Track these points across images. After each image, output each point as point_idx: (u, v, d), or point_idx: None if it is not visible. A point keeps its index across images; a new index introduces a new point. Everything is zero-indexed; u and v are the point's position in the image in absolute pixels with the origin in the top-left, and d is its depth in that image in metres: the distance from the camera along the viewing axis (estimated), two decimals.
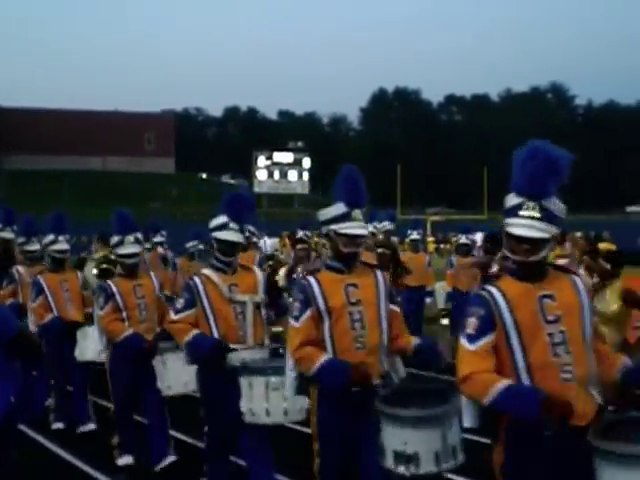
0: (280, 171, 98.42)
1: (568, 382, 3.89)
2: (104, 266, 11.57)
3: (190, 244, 15.67)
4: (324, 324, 5.09)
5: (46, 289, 8.85)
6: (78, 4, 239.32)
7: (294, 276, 11.21)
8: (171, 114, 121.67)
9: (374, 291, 5.23)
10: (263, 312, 6.59)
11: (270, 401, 5.66)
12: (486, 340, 3.92)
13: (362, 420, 4.97)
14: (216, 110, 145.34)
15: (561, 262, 18.47)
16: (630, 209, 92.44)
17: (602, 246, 12.74)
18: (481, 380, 3.88)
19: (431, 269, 14.80)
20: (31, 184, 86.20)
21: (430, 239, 46.10)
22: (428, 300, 14.48)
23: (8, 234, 11.05)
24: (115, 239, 7.72)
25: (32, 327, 8.80)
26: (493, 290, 4.00)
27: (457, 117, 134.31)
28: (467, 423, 4.13)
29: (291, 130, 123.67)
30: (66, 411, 9.13)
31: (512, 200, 3.97)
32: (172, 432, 7.86)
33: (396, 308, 5.38)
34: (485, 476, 4.29)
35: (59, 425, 9.21)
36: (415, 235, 15.26)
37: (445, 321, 14.72)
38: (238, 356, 6.10)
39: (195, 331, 6.30)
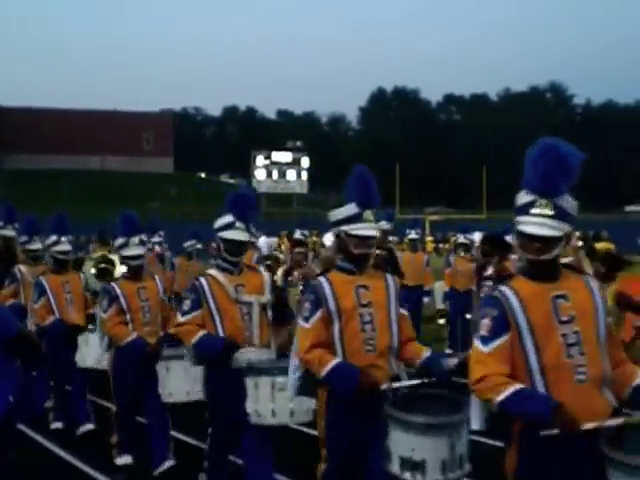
0: (279, 170, 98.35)
1: (582, 383, 3.84)
2: (102, 266, 11.58)
3: (188, 243, 15.68)
4: (334, 326, 5.03)
5: (48, 290, 8.83)
6: (78, 4, 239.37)
7: (290, 278, 11.23)
8: (170, 114, 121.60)
9: (385, 293, 5.19)
10: (269, 313, 6.55)
11: (276, 402, 5.63)
12: (500, 341, 3.88)
13: (371, 424, 4.89)
14: (215, 110, 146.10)
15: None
16: (629, 208, 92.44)
17: (599, 246, 12.73)
18: (494, 382, 3.83)
19: (429, 269, 14.81)
20: (30, 183, 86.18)
21: (429, 239, 46.17)
22: (426, 299, 14.47)
23: (9, 232, 11.00)
24: (120, 241, 7.69)
25: (31, 326, 8.80)
26: (506, 290, 3.96)
27: (456, 117, 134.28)
28: (475, 425, 4.11)
29: (290, 129, 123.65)
30: (65, 411, 9.13)
31: (523, 198, 3.94)
32: (173, 433, 7.84)
33: (405, 312, 5.32)
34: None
35: (58, 425, 9.22)
36: (413, 235, 15.27)
37: (442, 321, 14.73)
38: (244, 357, 6.07)
39: (202, 332, 6.27)
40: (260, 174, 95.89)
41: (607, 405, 3.90)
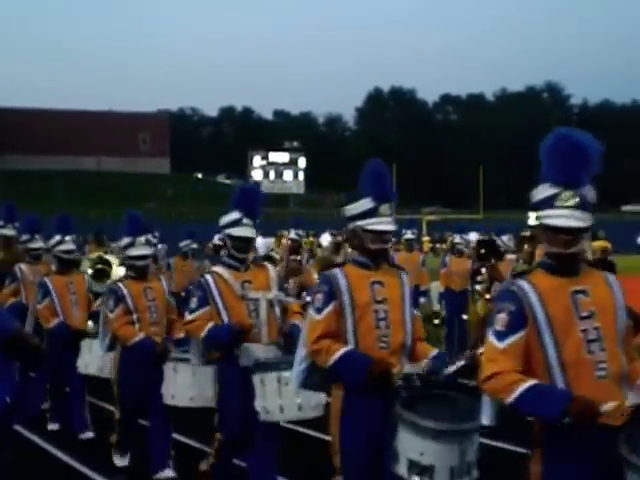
0: (276, 171, 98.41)
1: (603, 379, 3.76)
2: (99, 266, 11.57)
3: (183, 243, 15.69)
4: (347, 320, 4.93)
5: (52, 291, 8.76)
6: (75, 4, 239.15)
7: (285, 286, 11.23)
8: (166, 114, 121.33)
9: (399, 291, 5.11)
10: (277, 309, 6.48)
11: (283, 397, 5.58)
12: (516, 337, 3.78)
13: (388, 429, 4.61)
14: (211, 110, 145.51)
15: None
16: (625, 208, 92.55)
17: (596, 245, 12.75)
18: (506, 380, 3.73)
19: (425, 268, 14.84)
20: (25, 184, 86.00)
21: (426, 239, 46.20)
22: (422, 300, 14.50)
23: (9, 231, 10.90)
24: (125, 241, 7.63)
25: (28, 328, 8.76)
26: (524, 284, 3.86)
27: (453, 116, 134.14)
28: (485, 421, 4.04)
29: (286, 130, 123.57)
30: (62, 412, 9.10)
31: (546, 191, 3.86)
32: (174, 435, 7.79)
33: (417, 312, 5.29)
34: None
35: (54, 426, 9.19)
36: (409, 234, 15.32)
37: (436, 321, 14.77)
38: (251, 356, 6.02)
39: (210, 324, 6.22)
40: (257, 174, 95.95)
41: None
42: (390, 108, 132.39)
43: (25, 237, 10.20)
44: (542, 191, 3.88)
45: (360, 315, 4.92)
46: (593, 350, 3.77)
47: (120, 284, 7.61)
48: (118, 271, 14.81)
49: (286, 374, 5.49)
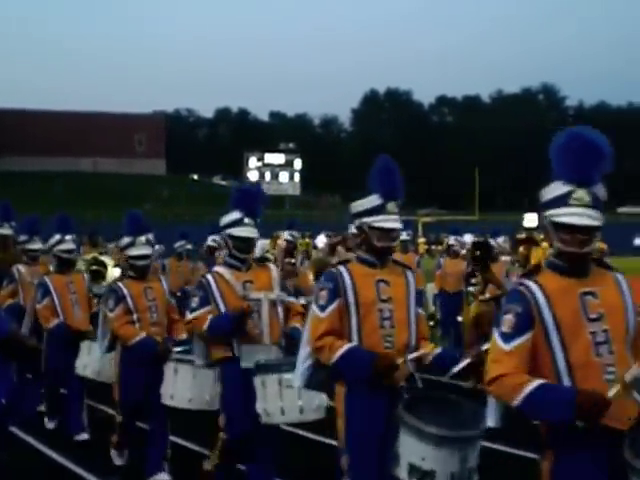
0: (271, 172, 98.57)
1: (611, 383, 3.65)
2: (94, 267, 11.56)
3: (177, 244, 15.68)
4: (351, 318, 4.86)
5: (53, 291, 8.69)
6: (72, 5, 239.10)
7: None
8: (162, 115, 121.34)
9: (405, 290, 5.03)
10: (279, 310, 6.40)
11: (284, 399, 5.53)
12: (522, 339, 3.70)
13: (390, 429, 4.54)
14: (207, 111, 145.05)
15: None
16: (621, 210, 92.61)
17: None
18: (510, 384, 3.66)
19: (420, 270, 14.84)
20: (21, 185, 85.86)
21: (421, 240, 46.18)
22: None
23: (6, 230, 10.72)
24: (126, 240, 7.55)
25: (25, 329, 8.72)
26: (531, 285, 3.78)
27: (448, 118, 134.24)
28: (490, 422, 3.97)
29: (282, 131, 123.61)
30: (59, 412, 9.06)
31: (559, 189, 3.76)
32: (174, 438, 7.79)
33: (421, 311, 5.19)
34: None
35: (52, 424, 9.16)
36: (404, 236, 15.33)
37: (431, 322, 14.78)
38: (252, 357, 5.95)
39: (210, 316, 6.15)
40: (252, 176, 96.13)
41: (636, 404, 3.70)
42: (386, 110, 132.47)
43: (23, 238, 10.09)
44: (554, 189, 3.79)
45: (365, 313, 4.85)
46: (601, 353, 3.69)
47: (120, 284, 7.52)
48: (113, 272, 14.83)
49: (287, 376, 5.43)
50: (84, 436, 8.71)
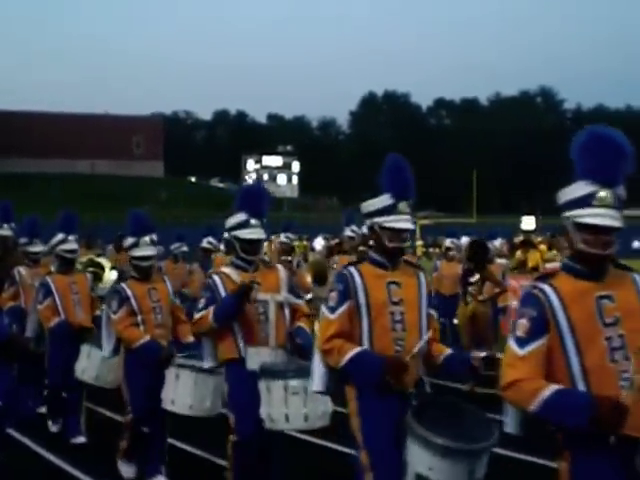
0: (269, 175, 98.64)
1: (625, 390, 3.54)
2: (91, 269, 11.55)
3: (173, 246, 15.66)
4: (362, 320, 4.77)
5: (55, 291, 8.57)
6: (71, 5, 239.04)
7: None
8: (160, 117, 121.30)
9: (416, 292, 4.95)
10: (286, 312, 6.28)
11: (290, 406, 5.46)
12: (537, 344, 3.61)
13: (400, 432, 4.49)
14: (205, 114, 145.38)
15: (549, 266, 18.50)
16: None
17: None
18: (526, 387, 3.58)
19: None
20: (18, 187, 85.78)
21: (419, 243, 46.12)
22: None
23: (5, 231, 10.53)
24: (129, 241, 7.42)
25: (30, 332, 8.64)
26: (546, 288, 3.69)
27: (446, 121, 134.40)
28: (509, 429, 3.89)
29: (280, 134, 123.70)
30: (61, 414, 8.94)
31: (582, 189, 3.67)
32: (172, 441, 7.75)
33: (433, 312, 5.08)
34: None
35: (55, 427, 9.02)
36: None
37: None
38: (258, 359, 5.87)
39: (213, 307, 6.04)
40: (250, 178, 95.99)
41: None
42: (384, 112, 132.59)
43: (24, 240, 9.97)
44: (577, 189, 3.70)
45: (376, 316, 4.77)
46: (617, 359, 3.59)
47: (124, 285, 7.39)
48: (110, 275, 14.81)
49: (293, 383, 5.39)
50: (81, 439, 8.63)
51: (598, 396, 3.47)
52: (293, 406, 5.46)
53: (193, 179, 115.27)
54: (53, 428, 9.07)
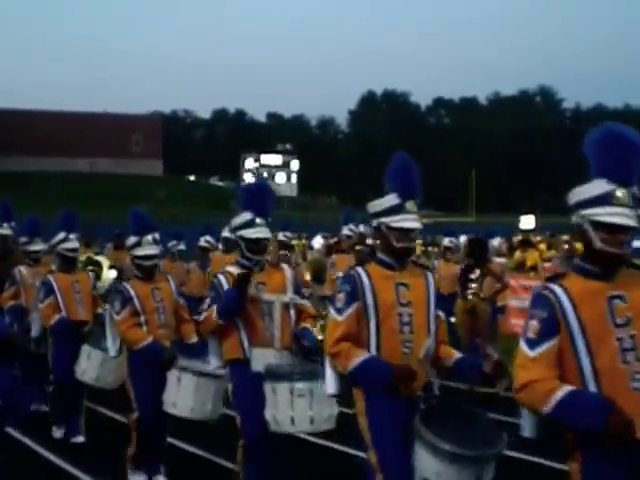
0: (268, 173, 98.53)
1: (638, 392, 3.53)
2: (89, 268, 11.53)
3: (171, 244, 15.65)
4: (370, 322, 4.69)
5: (57, 290, 8.49)
6: (69, 6, 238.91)
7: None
8: (159, 116, 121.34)
9: (425, 293, 4.88)
10: (292, 313, 6.19)
11: (295, 408, 5.40)
12: (548, 345, 3.57)
13: (408, 435, 4.45)
14: (204, 112, 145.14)
15: (547, 265, 18.51)
16: None
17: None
18: (540, 389, 3.54)
19: None
20: (17, 186, 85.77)
21: (418, 242, 46.15)
22: None
23: (5, 230, 10.48)
24: (132, 240, 7.32)
25: (35, 333, 8.63)
26: (556, 288, 3.64)
27: (445, 120, 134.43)
28: (526, 433, 3.85)
29: (279, 132, 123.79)
30: (65, 419, 8.83)
31: (599, 187, 3.61)
32: (172, 440, 7.74)
33: (441, 313, 5.03)
34: None
35: (59, 433, 8.81)
36: None
37: None
38: (263, 361, 5.81)
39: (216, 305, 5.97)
40: (249, 177, 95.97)
41: None
42: (383, 111, 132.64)
43: (24, 239, 9.86)
44: (594, 187, 3.64)
45: (384, 317, 4.70)
46: (629, 360, 3.55)
47: (127, 284, 7.29)
48: (109, 274, 14.81)
49: (299, 385, 5.34)
50: (80, 438, 8.59)
51: (615, 407, 3.42)
52: (299, 409, 5.40)
53: (192, 177, 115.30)
54: (57, 434, 8.84)
